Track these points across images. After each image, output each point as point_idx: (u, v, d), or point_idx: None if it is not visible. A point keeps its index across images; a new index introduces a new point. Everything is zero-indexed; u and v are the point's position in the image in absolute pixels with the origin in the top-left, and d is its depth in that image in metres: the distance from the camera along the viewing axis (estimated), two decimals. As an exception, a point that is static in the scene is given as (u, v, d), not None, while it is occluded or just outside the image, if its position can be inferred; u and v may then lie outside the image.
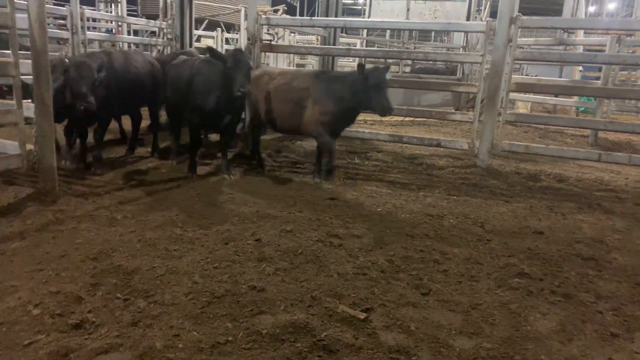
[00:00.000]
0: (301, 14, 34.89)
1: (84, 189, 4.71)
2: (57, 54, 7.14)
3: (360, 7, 32.25)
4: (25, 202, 4.18)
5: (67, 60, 4.80)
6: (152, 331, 2.46)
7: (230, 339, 2.42)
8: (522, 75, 13.48)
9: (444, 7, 15.76)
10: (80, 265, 3.12)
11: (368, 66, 5.18)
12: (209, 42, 14.71)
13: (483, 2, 16.23)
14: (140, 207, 4.30)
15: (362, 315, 2.67)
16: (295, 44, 13.95)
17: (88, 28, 9.25)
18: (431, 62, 15.04)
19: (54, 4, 13.49)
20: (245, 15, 9.82)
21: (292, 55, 13.43)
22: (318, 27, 9.77)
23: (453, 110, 11.50)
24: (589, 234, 4.21)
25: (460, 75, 13.15)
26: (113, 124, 6.52)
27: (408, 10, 15.61)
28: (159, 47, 10.97)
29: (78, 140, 5.48)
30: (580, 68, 13.49)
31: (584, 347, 2.54)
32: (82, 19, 8.35)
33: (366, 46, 17.27)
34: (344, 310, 2.71)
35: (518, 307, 2.89)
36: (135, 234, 3.68)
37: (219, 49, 13.97)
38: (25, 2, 4.10)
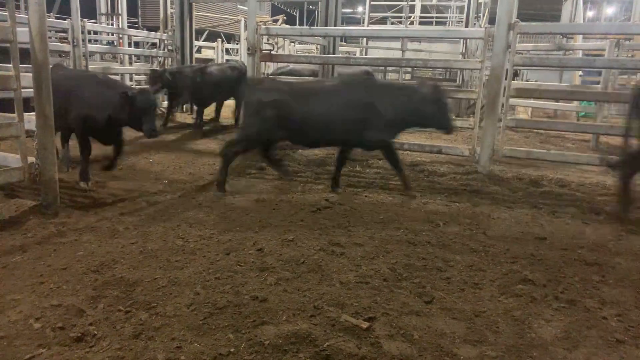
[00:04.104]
0: (300, 24, 35.15)
1: (85, 201, 4.71)
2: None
3: (359, 16, 32.45)
4: (27, 215, 4.18)
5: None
6: (154, 343, 2.45)
7: (232, 350, 2.41)
8: (522, 80, 13.49)
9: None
10: (82, 278, 3.11)
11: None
12: (210, 53, 14.82)
13: (481, 8, 16.31)
14: (141, 218, 4.30)
15: (365, 325, 2.65)
16: (295, 54, 14.02)
17: (89, 41, 9.34)
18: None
19: (55, 17, 13.60)
20: (245, 26, 9.89)
21: (292, 64, 13.51)
22: (317, 36, 9.82)
23: (453, 117, 11.48)
24: (592, 239, 4.19)
25: (460, 82, 13.17)
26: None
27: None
28: (160, 59, 11.05)
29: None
30: (580, 73, 13.51)
31: (589, 354, 2.51)
32: (83, 32, 8.42)
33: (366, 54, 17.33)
34: (347, 320, 2.70)
35: (522, 314, 2.87)
36: (136, 245, 3.68)
37: (219, 59, 14.10)
38: (27, 16, 4.13)
